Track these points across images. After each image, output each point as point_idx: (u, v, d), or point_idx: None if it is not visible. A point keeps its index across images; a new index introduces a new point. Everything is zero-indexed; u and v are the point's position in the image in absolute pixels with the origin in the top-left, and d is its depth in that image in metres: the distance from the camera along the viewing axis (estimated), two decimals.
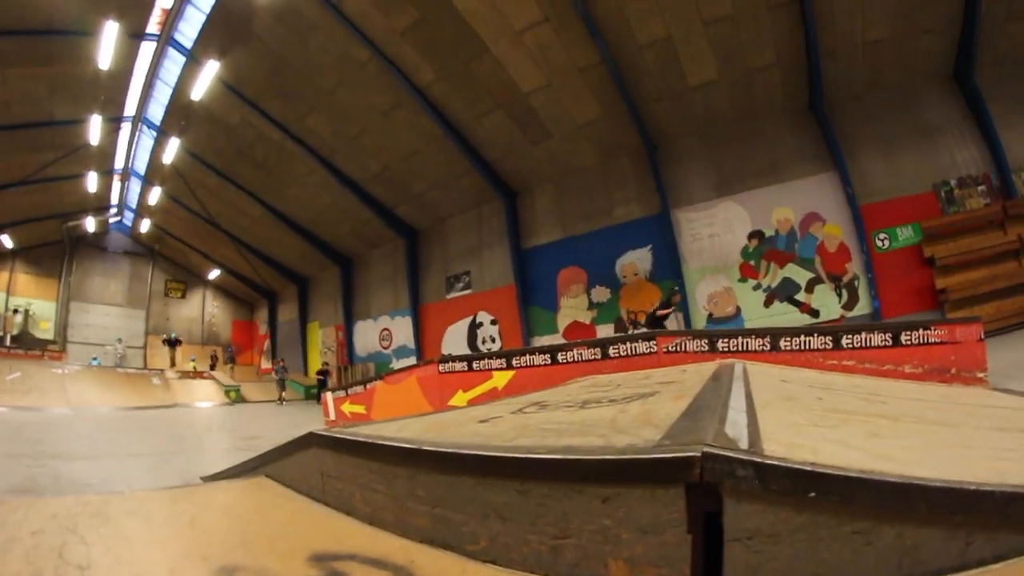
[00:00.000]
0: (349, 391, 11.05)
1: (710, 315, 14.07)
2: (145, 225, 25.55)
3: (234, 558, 1.37)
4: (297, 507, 1.97)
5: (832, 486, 1.01)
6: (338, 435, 2.08)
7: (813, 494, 1.01)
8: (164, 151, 18.99)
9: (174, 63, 16.91)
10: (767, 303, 13.59)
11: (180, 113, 17.95)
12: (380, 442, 1.84)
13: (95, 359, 23.49)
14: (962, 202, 12.23)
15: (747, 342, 7.11)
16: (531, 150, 15.99)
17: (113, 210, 25.31)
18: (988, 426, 2.29)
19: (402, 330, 20.50)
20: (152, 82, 17.68)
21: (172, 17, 15.27)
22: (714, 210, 14.27)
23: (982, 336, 6.06)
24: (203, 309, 30.17)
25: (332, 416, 11.01)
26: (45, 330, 24.79)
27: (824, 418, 2.08)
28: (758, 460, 1.05)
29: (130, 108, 18.66)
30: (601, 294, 15.62)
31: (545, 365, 8.37)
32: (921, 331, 6.24)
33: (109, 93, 16.90)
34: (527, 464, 1.34)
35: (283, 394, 19.23)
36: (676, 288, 12.43)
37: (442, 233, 19.58)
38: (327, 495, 1.96)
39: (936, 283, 11.80)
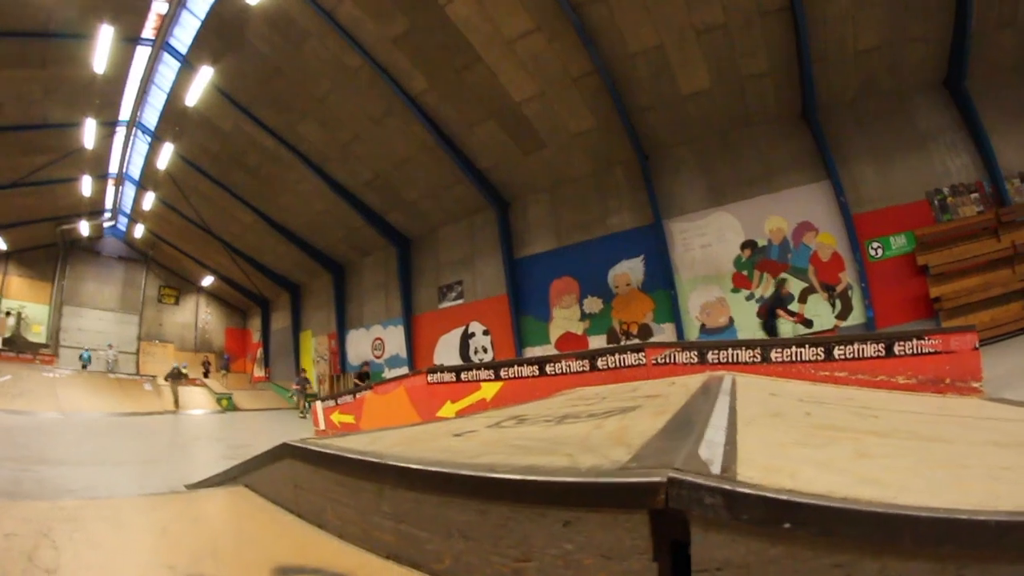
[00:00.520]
0: (339, 401, 11.01)
1: (703, 325, 13.99)
2: (139, 230, 25.47)
3: (200, 568, 1.37)
4: (270, 518, 1.97)
5: (809, 516, 0.92)
6: (309, 447, 2.05)
7: (788, 525, 0.92)
8: (158, 156, 18.91)
9: (169, 68, 16.93)
10: (760, 313, 13.51)
11: (174, 118, 17.94)
12: (347, 455, 1.81)
13: (86, 352, 23.47)
14: (955, 210, 12.25)
15: (737, 354, 7.09)
16: (524, 159, 15.94)
17: (107, 214, 25.19)
18: (984, 440, 2.21)
19: (394, 339, 20.37)
20: (147, 87, 17.71)
21: (167, 22, 15.32)
22: (706, 220, 14.22)
23: (977, 345, 6.02)
24: (196, 316, 30.02)
25: (322, 426, 11.01)
26: (37, 334, 24.62)
27: (810, 436, 2.02)
28: (728, 487, 0.97)
29: (125, 112, 18.74)
30: (593, 304, 15.54)
31: (533, 377, 8.35)
32: (915, 341, 6.20)
33: (104, 97, 16.88)
34: (487, 483, 1.29)
35: (303, 403, 18.65)
36: (783, 278, 11.97)
37: (434, 242, 19.50)
38: (300, 507, 1.95)
39: (930, 291, 11.76)
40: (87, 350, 23.86)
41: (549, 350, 15.83)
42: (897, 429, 2.44)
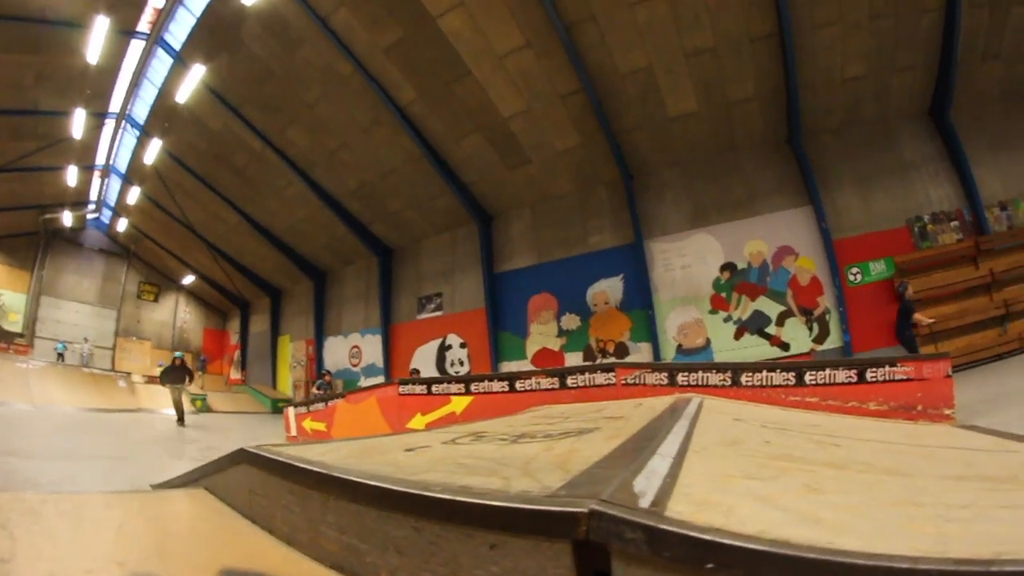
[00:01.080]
0: (311, 407, 11.00)
1: (680, 346, 14.05)
2: (122, 224, 25.24)
3: (148, 566, 1.39)
4: (224, 522, 2.00)
5: (733, 558, 0.88)
6: (263, 453, 2.09)
7: (711, 565, 0.89)
8: (146, 151, 18.89)
9: (162, 63, 16.97)
10: (737, 335, 13.62)
11: (164, 114, 17.93)
12: (297, 464, 1.85)
13: (61, 345, 23.13)
14: (935, 237, 12.48)
15: (708, 376, 7.12)
16: (508, 175, 16.00)
17: (91, 206, 25.06)
18: (945, 474, 2.19)
19: (372, 348, 20.25)
20: (139, 81, 17.71)
21: (163, 17, 15.37)
22: (687, 241, 14.33)
23: (949, 372, 6.07)
24: (175, 315, 29.68)
25: (293, 432, 10.93)
26: (14, 322, 24.21)
27: (762, 467, 1.98)
28: (650, 523, 0.95)
29: (115, 105, 18.73)
30: (571, 321, 15.55)
31: (503, 392, 8.38)
32: (887, 368, 6.24)
33: (95, 88, 16.90)
34: (420, 501, 1.31)
35: None
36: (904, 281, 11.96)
37: (416, 253, 19.48)
38: (254, 512, 1.97)
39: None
40: (62, 343, 23.49)
41: (525, 365, 15.78)
42: (856, 460, 2.42)
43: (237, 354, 28.67)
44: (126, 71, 17.24)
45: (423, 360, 18.45)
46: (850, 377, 6.34)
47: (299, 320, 24.13)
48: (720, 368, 7.17)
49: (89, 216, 25.76)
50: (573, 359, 15.23)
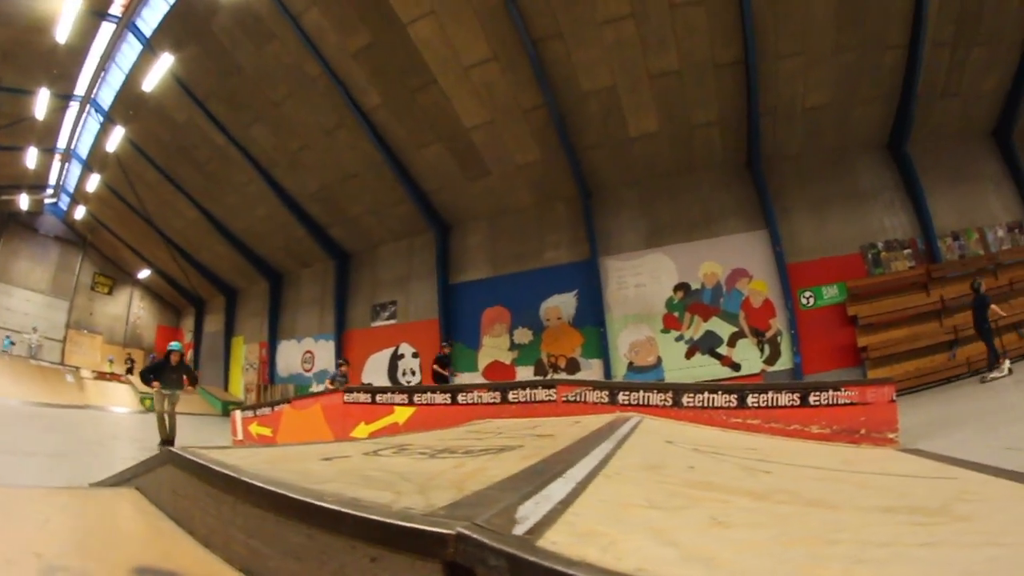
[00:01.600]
0: (257, 412, 10.96)
1: (631, 363, 14.15)
2: (80, 212, 24.63)
3: (64, 560, 1.39)
4: (148, 521, 2.04)
5: None
6: (184, 455, 2.12)
7: None
8: (108, 138, 18.58)
9: (131, 48, 16.72)
10: (688, 355, 13.77)
11: (130, 102, 17.66)
12: (211, 467, 1.88)
13: (8, 340, 22.32)
14: (888, 264, 12.90)
15: (649, 396, 7.16)
16: (468, 186, 16.05)
17: (50, 191, 24.47)
18: (874, 505, 2.10)
19: (325, 354, 19.95)
20: (107, 65, 17.47)
21: (136, 1, 15.23)
22: (642, 260, 14.50)
23: (894, 397, 6.14)
24: (129, 309, 28.94)
25: (240, 436, 10.88)
26: None
27: (673, 496, 1.94)
28: (512, 552, 0.95)
29: (81, 87, 18.40)
30: (523, 335, 15.54)
31: (445, 405, 8.40)
32: (831, 392, 6.30)
33: (62, 68, 16.67)
34: (311, 510, 1.35)
35: None
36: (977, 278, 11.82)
37: (373, 260, 19.33)
38: (177, 512, 2.02)
39: (858, 341, 12.27)
40: (8, 338, 22.57)
41: (477, 378, 15.73)
42: (781, 490, 2.35)
43: (191, 353, 27.99)
44: (95, 54, 17.00)
45: (376, 368, 18.23)
46: (793, 400, 6.41)
47: (253, 321, 23.69)
48: (662, 388, 7.26)
49: (47, 201, 25.13)
50: (524, 373, 15.19)
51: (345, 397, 9.29)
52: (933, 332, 11.98)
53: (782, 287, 13.17)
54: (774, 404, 6.44)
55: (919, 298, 12.32)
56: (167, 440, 9.30)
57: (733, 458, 3.38)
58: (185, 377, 10.03)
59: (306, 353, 20.77)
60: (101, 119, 19.32)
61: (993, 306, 9.77)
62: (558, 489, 1.61)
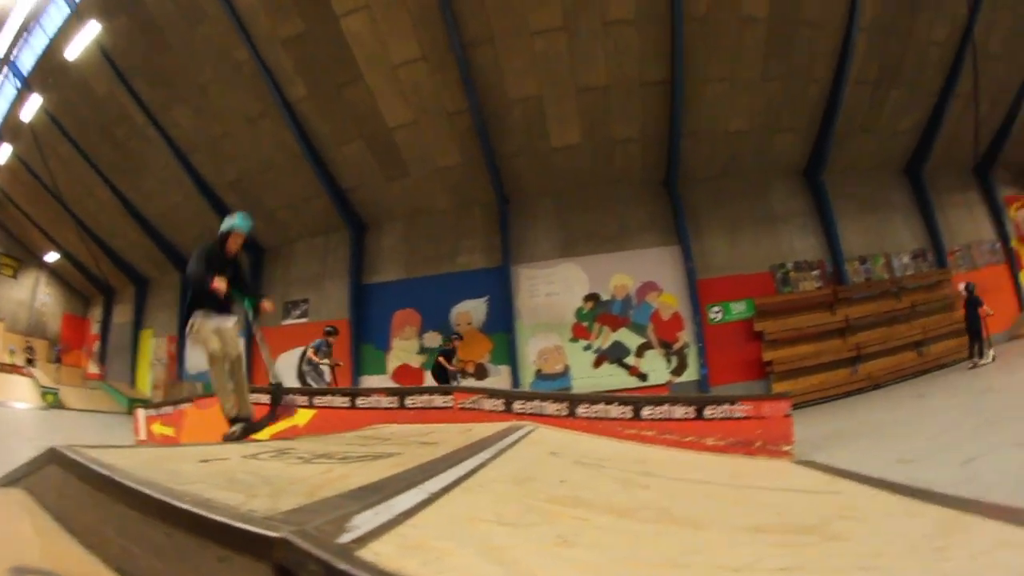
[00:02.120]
0: (160, 411, 10.66)
1: (539, 371, 14.31)
2: None
3: None
4: (31, 521, 1.94)
5: None
6: (66, 453, 2.10)
7: None
8: (23, 106, 17.87)
9: (58, 11, 16.09)
10: (596, 364, 14.02)
11: (50, 69, 16.99)
12: (89, 466, 1.87)
13: None
14: (796, 284, 13.60)
15: (544, 406, 7.22)
16: (386, 185, 15.96)
17: None
18: (744, 524, 1.99)
19: None
20: (30, 26, 16.79)
21: None
22: (555, 269, 14.73)
23: (789, 412, 6.33)
24: (35, 294, 27.41)
25: (142, 435, 10.49)
26: None
27: (527, 512, 1.88)
28: (327, 560, 0.98)
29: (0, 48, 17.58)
30: (433, 339, 15.42)
31: (344, 408, 8.36)
32: (727, 406, 6.47)
33: None
34: (167, 509, 1.39)
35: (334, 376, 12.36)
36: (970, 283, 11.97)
37: (288, 255, 18.88)
38: (61, 512, 1.94)
39: (763, 355, 12.78)
40: None
41: (386, 380, 15.55)
42: (651, 507, 2.27)
43: (97, 345, 26.60)
44: (18, 13, 16.36)
45: (285, 367, 17.66)
46: (688, 414, 6.55)
47: (164, 314, 22.72)
48: (557, 398, 7.36)
49: None
50: (432, 377, 15.04)
51: None
52: (837, 349, 12.64)
53: (691, 301, 13.63)
54: (669, 416, 6.56)
55: (824, 317, 13.02)
56: (241, 417, 5.30)
57: (616, 471, 3.32)
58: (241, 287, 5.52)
59: None
60: (19, 85, 18.48)
61: (983, 308, 10.74)
62: (406, 500, 1.63)
